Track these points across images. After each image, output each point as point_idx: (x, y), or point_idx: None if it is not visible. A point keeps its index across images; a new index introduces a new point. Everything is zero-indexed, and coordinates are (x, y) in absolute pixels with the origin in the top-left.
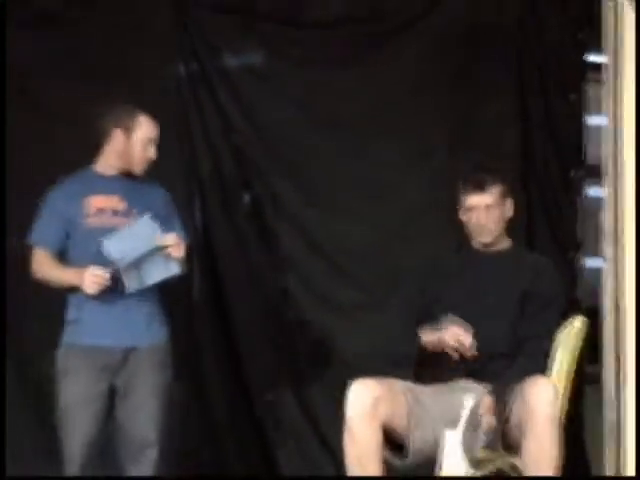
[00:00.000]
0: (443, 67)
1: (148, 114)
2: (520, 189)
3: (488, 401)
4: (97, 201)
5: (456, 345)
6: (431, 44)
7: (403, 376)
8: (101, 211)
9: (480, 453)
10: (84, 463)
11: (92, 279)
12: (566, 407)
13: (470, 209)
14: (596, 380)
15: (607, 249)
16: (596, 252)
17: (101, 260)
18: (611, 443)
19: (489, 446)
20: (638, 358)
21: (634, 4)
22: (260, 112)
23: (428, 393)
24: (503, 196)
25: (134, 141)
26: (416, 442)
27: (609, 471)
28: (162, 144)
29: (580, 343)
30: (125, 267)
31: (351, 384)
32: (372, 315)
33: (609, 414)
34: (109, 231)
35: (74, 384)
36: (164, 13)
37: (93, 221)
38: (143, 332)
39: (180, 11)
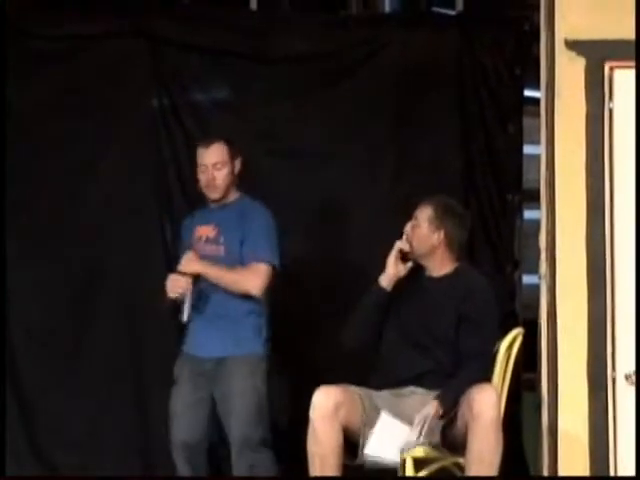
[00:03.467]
0: (390, 102)
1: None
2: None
3: (433, 408)
4: (199, 230)
5: None
6: (380, 80)
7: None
8: (199, 239)
9: (418, 452)
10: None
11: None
12: (504, 410)
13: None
14: (533, 386)
15: (543, 267)
16: (535, 270)
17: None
18: (547, 443)
19: (428, 445)
20: (569, 366)
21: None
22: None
23: (383, 397)
24: (432, 223)
25: (198, 171)
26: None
27: (546, 467)
28: (137, 169)
29: (517, 352)
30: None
31: (315, 390)
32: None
33: (545, 417)
34: (205, 257)
35: (178, 390)
36: (139, 53)
37: (197, 248)
38: (233, 344)
39: (153, 51)
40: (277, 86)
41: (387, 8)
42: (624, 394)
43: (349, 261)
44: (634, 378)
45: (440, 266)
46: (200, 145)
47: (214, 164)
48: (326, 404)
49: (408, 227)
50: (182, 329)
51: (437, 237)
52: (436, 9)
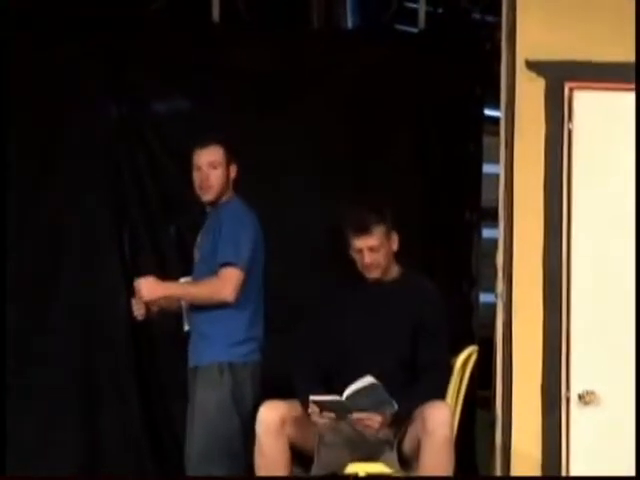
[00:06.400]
0: (349, 117)
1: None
2: (420, 228)
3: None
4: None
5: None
6: (339, 96)
7: None
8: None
9: (372, 468)
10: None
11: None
12: (457, 427)
13: (358, 251)
14: (488, 404)
15: (499, 285)
16: (492, 288)
17: None
18: (500, 461)
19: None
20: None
21: None
22: (184, 152)
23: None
24: (387, 234)
25: (194, 173)
26: (322, 456)
27: None
28: (96, 182)
29: (471, 370)
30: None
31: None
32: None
33: (498, 435)
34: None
35: None
36: (99, 64)
37: (194, 255)
38: (202, 352)
39: (113, 62)
40: (237, 99)
41: (349, 24)
42: (577, 413)
43: (302, 279)
44: (588, 398)
45: (388, 270)
46: (197, 146)
47: (209, 163)
48: (271, 418)
49: (367, 256)
50: None
51: (395, 243)
52: (399, 26)
